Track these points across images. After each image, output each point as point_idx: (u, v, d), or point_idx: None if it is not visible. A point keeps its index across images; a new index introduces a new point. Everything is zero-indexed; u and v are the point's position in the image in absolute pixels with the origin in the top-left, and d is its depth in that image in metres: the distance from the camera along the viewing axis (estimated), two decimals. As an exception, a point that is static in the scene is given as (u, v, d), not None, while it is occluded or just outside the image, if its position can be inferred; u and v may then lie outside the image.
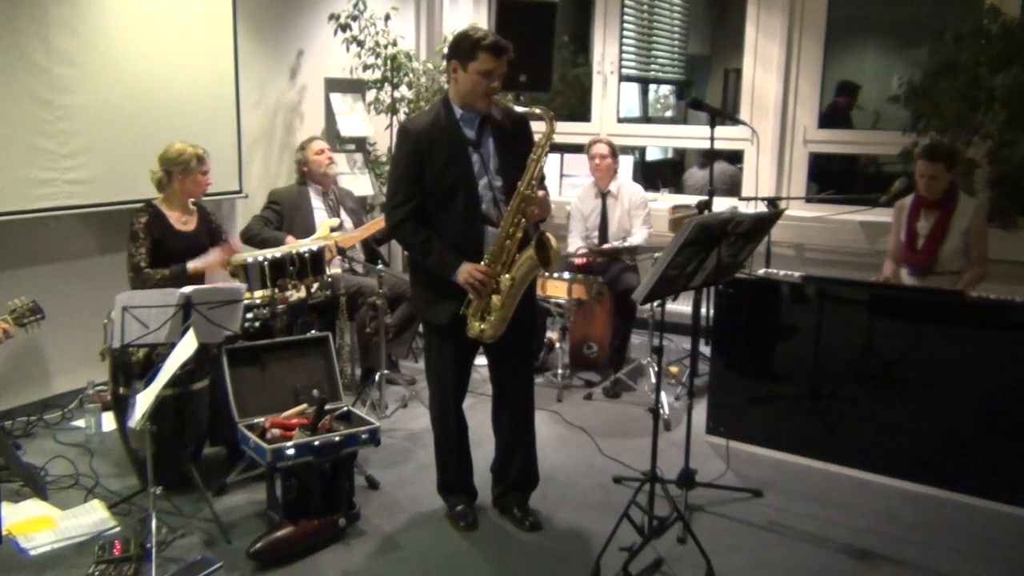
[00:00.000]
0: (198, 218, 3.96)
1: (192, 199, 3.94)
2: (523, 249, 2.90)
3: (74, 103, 4.10)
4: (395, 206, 2.98)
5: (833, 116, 5.69)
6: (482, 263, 2.93)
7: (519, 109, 3.05)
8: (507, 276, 2.90)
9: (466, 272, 2.90)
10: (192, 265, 3.82)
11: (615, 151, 4.96)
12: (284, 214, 4.60)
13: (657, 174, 7.12)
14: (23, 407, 4.16)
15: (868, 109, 6.04)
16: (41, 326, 3.45)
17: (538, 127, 2.95)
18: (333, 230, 4.45)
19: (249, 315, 3.58)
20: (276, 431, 3.15)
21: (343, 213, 4.75)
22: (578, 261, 4.79)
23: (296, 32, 5.45)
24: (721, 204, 4.61)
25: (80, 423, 4.06)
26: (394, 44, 5.53)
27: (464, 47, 2.86)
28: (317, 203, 4.70)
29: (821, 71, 5.37)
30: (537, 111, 2.90)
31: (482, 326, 2.96)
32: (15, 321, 3.36)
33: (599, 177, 4.96)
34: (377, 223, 4.56)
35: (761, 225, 3.11)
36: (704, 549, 2.89)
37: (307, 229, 4.54)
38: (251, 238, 4.51)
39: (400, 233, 3.02)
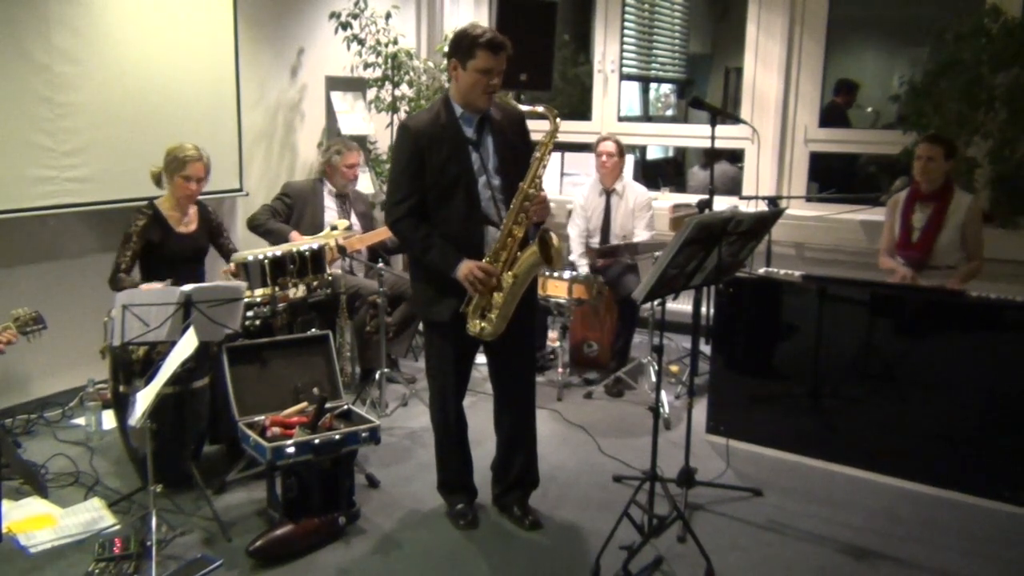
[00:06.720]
0: (199, 218, 3.95)
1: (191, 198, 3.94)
2: (524, 247, 2.90)
3: (74, 101, 4.10)
4: (395, 203, 2.99)
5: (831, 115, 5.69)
6: (484, 260, 2.93)
7: (524, 108, 3.05)
8: (509, 273, 2.90)
9: (467, 268, 2.89)
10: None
11: (622, 150, 4.92)
12: (294, 207, 4.58)
13: (658, 173, 7.12)
14: (23, 405, 4.17)
15: (868, 108, 6.04)
16: (42, 335, 3.45)
17: (542, 125, 2.94)
18: (335, 228, 4.43)
19: (249, 313, 3.58)
20: (276, 429, 3.15)
21: (353, 216, 4.73)
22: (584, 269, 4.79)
23: (297, 30, 5.44)
24: (722, 203, 4.61)
25: (80, 421, 4.06)
26: (395, 42, 5.53)
27: (463, 46, 2.87)
28: (329, 202, 4.68)
29: (822, 70, 5.37)
30: (541, 110, 2.90)
31: (482, 324, 2.96)
32: (19, 329, 3.36)
33: (604, 175, 4.94)
34: (385, 231, 4.52)
35: (761, 224, 3.11)
36: (704, 548, 2.89)
37: (315, 226, 4.53)
38: (256, 227, 4.48)
39: (399, 230, 3.01)
